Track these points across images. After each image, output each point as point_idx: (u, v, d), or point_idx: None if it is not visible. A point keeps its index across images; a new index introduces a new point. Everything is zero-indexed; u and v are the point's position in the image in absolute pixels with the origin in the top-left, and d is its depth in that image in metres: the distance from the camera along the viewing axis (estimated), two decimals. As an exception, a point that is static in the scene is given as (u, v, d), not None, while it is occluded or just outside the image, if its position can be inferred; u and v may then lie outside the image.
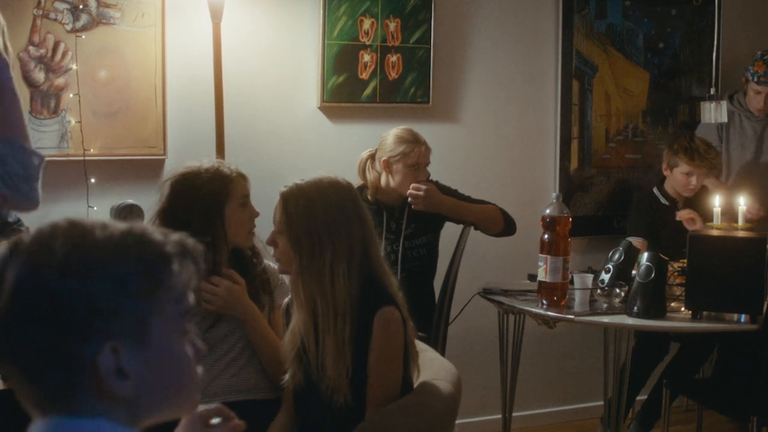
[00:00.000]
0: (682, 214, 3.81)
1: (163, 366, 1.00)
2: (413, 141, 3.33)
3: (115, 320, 0.97)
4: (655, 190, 4.02)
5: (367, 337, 2.09)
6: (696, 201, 3.94)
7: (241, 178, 2.45)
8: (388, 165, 3.35)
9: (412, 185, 3.31)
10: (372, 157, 3.40)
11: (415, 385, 2.25)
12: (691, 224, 3.73)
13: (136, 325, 0.99)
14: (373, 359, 2.09)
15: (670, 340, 3.87)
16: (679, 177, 3.88)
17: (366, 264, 2.12)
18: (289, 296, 2.31)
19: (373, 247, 2.16)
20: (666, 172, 3.96)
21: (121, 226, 1.02)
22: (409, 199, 3.32)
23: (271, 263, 2.45)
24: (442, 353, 3.20)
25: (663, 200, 3.96)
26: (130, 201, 3.31)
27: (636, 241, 3.69)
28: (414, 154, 3.31)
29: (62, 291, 0.95)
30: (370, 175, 3.39)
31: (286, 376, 2.23)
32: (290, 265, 2.14)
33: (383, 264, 2.18)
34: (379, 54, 3.82)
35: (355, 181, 3.46)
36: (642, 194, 4.13)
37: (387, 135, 3.38)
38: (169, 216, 2.36)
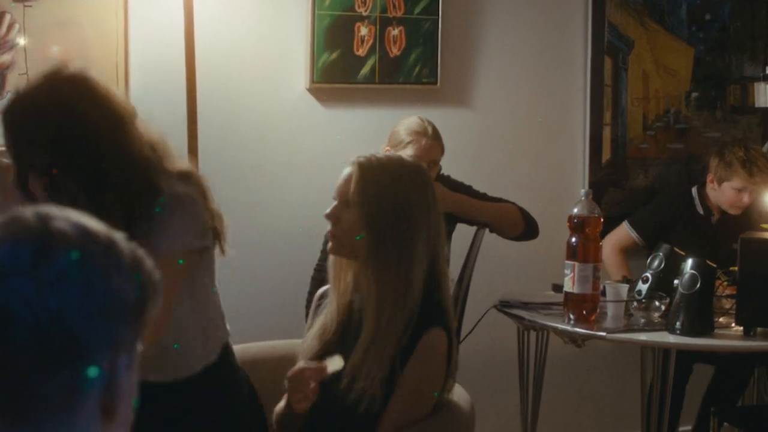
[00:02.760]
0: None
1: None
2: (418, 131, 3.33)
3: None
4: (694, 191, 3.94)
5: (407, 354, 2.12)
6: (731, 217, 3.85)
7: None
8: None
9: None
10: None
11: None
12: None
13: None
14: (404, 386, 2.12)
15: (693, 360, 3.83)
16: (728, 192, 3.81)
17: (434, 262, 2.16)
18: (326, 286, 2.32)
19: (443, 245, 2.20)
20: (712, 185, 3.87)
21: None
22: None
23: None
24: (452, 376, 3.20)
25: (699, 208, 3.90)
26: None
27: (628, 234, 3.71)
28: (414, 146, 3.32)
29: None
30: None
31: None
32: (354, 244, 2.15)
33: (446, 266, 2.22)
34: (378, 26, 3.82)
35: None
36: (675, 190, 4.09)
37: (399, 123, 3.40)
38: None
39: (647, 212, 4.00)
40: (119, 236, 1.06)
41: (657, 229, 3.87)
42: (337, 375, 2.16)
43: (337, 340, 2.23)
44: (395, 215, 2.12)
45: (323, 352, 2.22)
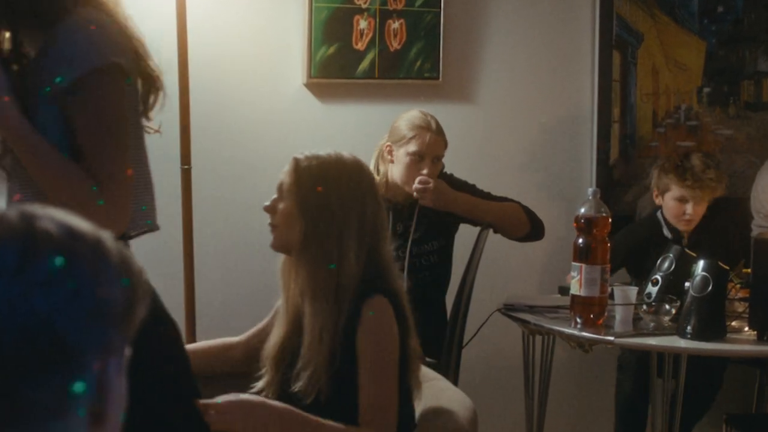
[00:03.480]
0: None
1: None
2: (421, 126, 3.33)
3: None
4: (659, 215, 3.84)
5: (353, 332, 2.20)
6: (706, 235, 3.76)
7: None
8: (390, 151, 3.37)
9: (419, 178, 3.31)
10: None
11: (417, 414, 2.27)
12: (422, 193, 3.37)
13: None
14: (362, 366, 2.19)
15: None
16: (670, 204, 3.74)
17: (373, 251, 2.26)
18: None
19: (383, 236, 2.31)
20: (657, 200, 3.81)
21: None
22: (415, 193, 3.32)
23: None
24: (455, 382, 3.20)
25: (666, 231, 3.81)
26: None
27: None
28: (417, 141, 3.32)
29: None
30: (384, 167, 3.40)
31: (260, 383, 2.32)
32: (290, 235, 2.27)
33: (391, 257, 2.32)
34: (377, 19, 3.82)
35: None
36: (644, 217, 4.00)
37: (399, 118, 3.40)
38: None
39: (616, 241, 3.94)
40: (106, 235, 1.06)
41: (627, 257, 3.77)
42: (289, 379, 2.26)
43: (295, 343, 2.29)
44: (326, 206, 2.24)
45: (281, 356, 2.32)
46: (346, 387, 2.19)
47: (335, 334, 2.20)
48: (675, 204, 3.73)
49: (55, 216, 1.04)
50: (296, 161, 2.32)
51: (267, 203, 2.35)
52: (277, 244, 2.33)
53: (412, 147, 3.32)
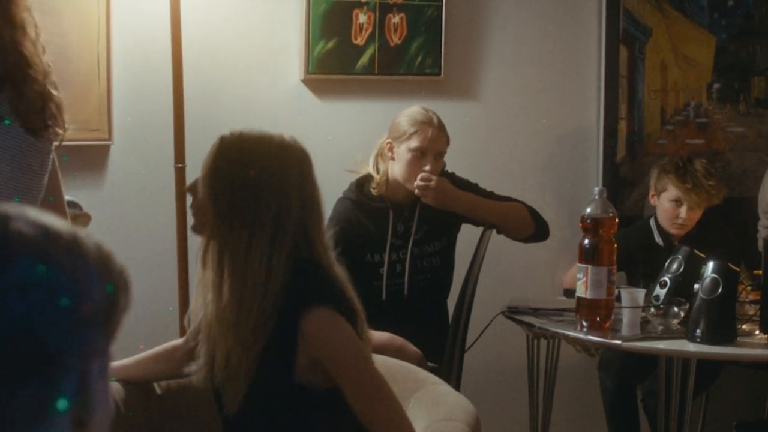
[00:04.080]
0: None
1: None
2: (423, 121, 3.33)
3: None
4: (651, 221, 3.85)
5: (285, 348, 2.08)
6: (698, 244, 3.64)
7: None
8: (391, 148, 3.37)
9: (421, 174, 3.31)
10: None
11: (418, 418, 2.26)
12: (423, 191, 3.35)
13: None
14: (348, 391, 2.09)
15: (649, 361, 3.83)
16: (666, 205, 3.74)
17: (304, 251, 2.12)
18: None
19: (317, 233, 2.16)
20: (653, 200, 3.82)
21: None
22: (416, 191, 3.32)
23: None
24: (457, 387, 3.21)
25: (658, 238, 3.81)
26: (68, 197, 3.31)
27: None
28: (419, 136, 3.32)
29: None
30: (384, 165, 3.40)
31: (194, 366, 2.25)
32: (204, 218, 2.15)
33: (329, 256, 2.18)
34: (377, 13, 3.82)
35: (348, 170, 3.47)
36: (635, 223, 4.01)
37: (399, 114, 3.40)
38: None
39: None
40: (83, 233, 1.05)
41: (620, 269, 3.77)
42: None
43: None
44: (240, 189, 2.10)
45: (208, 336, 2.20)
46: (266, 399, 2.13)
47: (255, 350, 2.08)
48: (670, 206, 3.73)
49: (29, 216, 1.03)
50: (219, 141, 2.18)
51: (190, 182, 2.24)
52: (196, 228, 2.21)
53: (414, 143, 3.32)
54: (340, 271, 2.19)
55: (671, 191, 3.72)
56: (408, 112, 3.38)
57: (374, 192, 3.38)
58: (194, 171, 3.47)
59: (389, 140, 3.37)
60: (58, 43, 3.36)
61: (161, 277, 3.51)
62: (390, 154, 3.38)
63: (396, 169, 3.37)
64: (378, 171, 3.41)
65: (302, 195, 2.14)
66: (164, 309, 3.49)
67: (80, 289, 1.01)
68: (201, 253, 2.18)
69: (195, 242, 3.48)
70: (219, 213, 2.11)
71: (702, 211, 3.74)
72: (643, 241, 3.82)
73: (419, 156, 3.33)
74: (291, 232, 2.11)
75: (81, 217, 3.10)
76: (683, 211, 3.70)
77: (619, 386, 3.80)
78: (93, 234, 1.07)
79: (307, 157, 2.22)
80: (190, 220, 2.31)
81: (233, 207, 2.11)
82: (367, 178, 3.42)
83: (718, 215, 3.88)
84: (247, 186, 2.10)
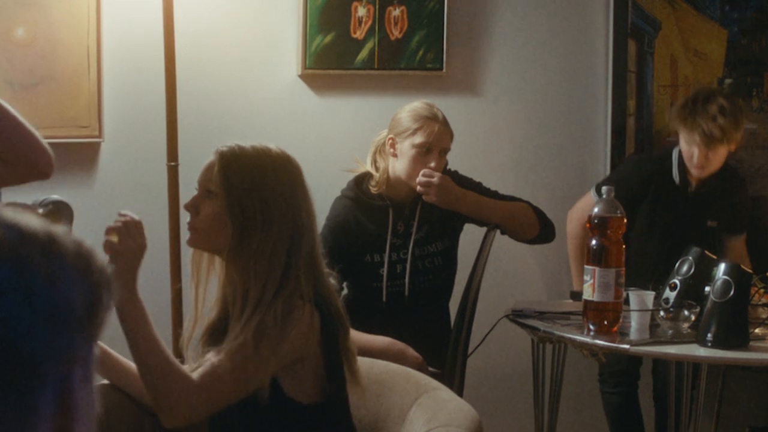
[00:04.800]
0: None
1: None
2: (427, 116, 3.33)
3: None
4: (675, 153, 3.79)
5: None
6: (715, 195, 3.70)
7: None
8: (393, 145, 3.35)
9: (423, 171, 3.31)
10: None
11: (419, 427, 2.27)
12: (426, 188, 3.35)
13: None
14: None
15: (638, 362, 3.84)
16: (682, 145, 3.70)
17: (307, 262, 2.23)
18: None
19: (317, 247, 2.28)
20: (676, 139, 3.79)
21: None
22: (419, 188, 3.32)
23: None
24: (459, 393, 3.21)
25: (676, 175, 3.76)
26: (55, 197, 3.31)
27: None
28: (424, 132, 3.31)
29: None
30: (383, 162, 3.39)
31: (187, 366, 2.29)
32: (215, 237, 2.24)
33: (324, 269, 2.28)
34: (377, 6, 3.82)
35: (345, 168, 3.47)
36: (652, 154, 4.01)
37: (400, 109, 3.39)
38: None
39: (618, 176, 3.87)
40: (60, 231, 1.05)
41: (626, 199, 3.61)
42: None
43: (208, 342, 2.27)
44: (260, 207, 2.20)
45: (207, 339, 2.29)
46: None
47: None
48: (685, 147, 3.68)
49: (1, 216, 1.02)
50: (221, 155, 2.26)
51: (189, 201, 2.30)
52: (197, 244, 2.29)
53: (419, 138, 3.31)
54: (332, 287, 2.31)
55: (684, 134, 3.66)
56: (411, 107, 3.38)
57: (373, 190, 3.38)
58: (188, 169, 3.48)
59: (391, 136, 3.36)
60: (48, 37, 3.37)
61: (154, 278, 3.51)
62: (392, 150, 3.36)
63: (398, 166, 3.36)
64: (377, 168, 3.41)
65: (308, 211, 2.27)
66: (156, 313, 3.48)
67: (57, 291, 1.00)
68: (197, 264, 2.29)
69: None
70: (244, 222, 2.20)
71: (720, 156, 3.65)
72: (659, 174, 3.78)
73: (424, 152, 3.32)
74: (299, 242, 2.22)
75: (60, 213, 3.09)
76: (694, 152, 3.64)
77: (626, 396, 3.83)
78: (81, 235, 1.06)
79: (301, 170, 2.33)
80: (185, 218, 2.34)
81: (258, 213, 2.20)
82: (365, 176, 3.41)
83: (742, 180, 3.87)
84: (270, 195, 2.21)
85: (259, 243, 2.19)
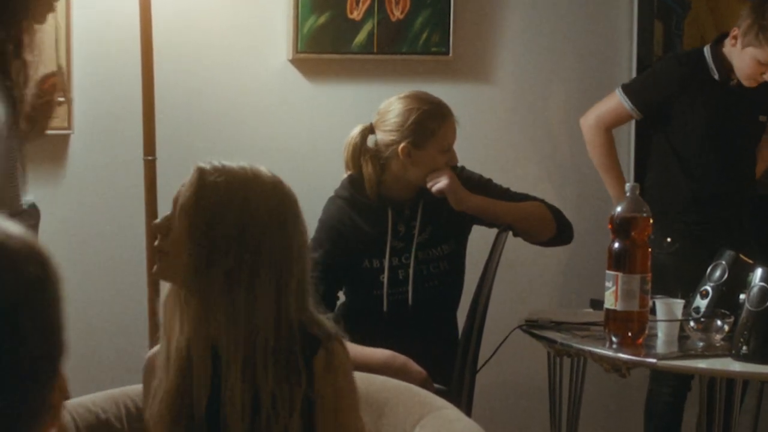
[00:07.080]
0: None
1: None
2: (441, 114, 3.32)
3: None
4: (706, 51, 3.81)
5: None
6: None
7: None
8: (408, 153, 3.30)
9: (432, 174, 3.31)
10: (365, 135, 3.38)
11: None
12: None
13: None
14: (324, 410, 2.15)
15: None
16: (748, 61, 3.69)
17: (298, 297, 2.16)
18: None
19: (309, 283, 2.19)
20: (733, 42, 3.74)
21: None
22: (434, 188, 3.31)
23: None
24: (468, 412, 3.21)
25: (714, 71, 3.77)
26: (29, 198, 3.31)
27: (621, 105, 3.63)
28: (447, 131, 3.32)
29: None
30: (367, 164, 3.35)
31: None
32: (176, 266, 2.13)
33: (312, 305, 2.21)
34: (376, -16, 3.83)
35: (331, 169, 3.46)
36: (681, 53, 4.04)
37: (390, 106, 3.35)
38: None
39: (648, 78, 3.89)
40: (5, 227, 1.04)
41: (657, 101, 3.71)
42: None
43: (189, 400, 2.17)
44: (234, 233, 2.11)
45: (177, 417, 2.17)
46: None
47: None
48: (754, 64, 3.68)
49: None
50: (201, 172, 2.14)
51: (161, 219, 2.21)
52: (164, 273, 2.18)
53: (444, 141, 3.31)
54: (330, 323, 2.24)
55: (758, 52, 3.64)
56: (411, 105, 3.32)
57: (369, 194, 3.36)
58: (166, 164, 3.48)
59: (406, 143, 3.30)
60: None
61: (130, 277, 3.51)
62: (408, 159, 3.31)
63: (415, 173, 3.32)
64: (362, 171, 3.35)
65: (300, 246, 2.18)
66: (132, 318, 3.49)
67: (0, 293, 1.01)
68: (170, 310, 2.18)
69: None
70: (201, 252, 2.10)
71: None
72: (694, 74, 3.79)
73: (448, 153, 3.33)
74: (287, 277, 2.14)
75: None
76: None
77: (675, 400, 3.84)
78: (49, 234, 1.05)
79: (297, 200, 2.23)
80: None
81: (220, 248, 2.10)
82: (353, 179, 3.39)
83: None
84: (241, 226, 2.11)
85: (227, 275, 2.10)
